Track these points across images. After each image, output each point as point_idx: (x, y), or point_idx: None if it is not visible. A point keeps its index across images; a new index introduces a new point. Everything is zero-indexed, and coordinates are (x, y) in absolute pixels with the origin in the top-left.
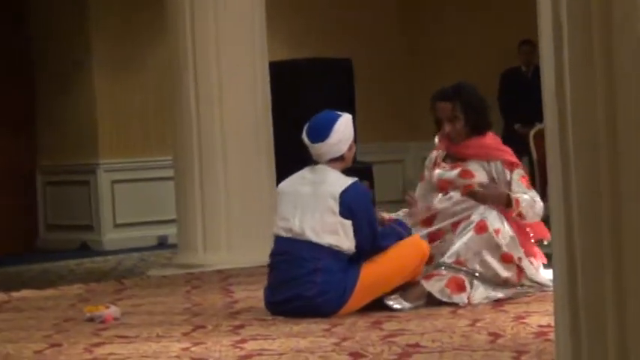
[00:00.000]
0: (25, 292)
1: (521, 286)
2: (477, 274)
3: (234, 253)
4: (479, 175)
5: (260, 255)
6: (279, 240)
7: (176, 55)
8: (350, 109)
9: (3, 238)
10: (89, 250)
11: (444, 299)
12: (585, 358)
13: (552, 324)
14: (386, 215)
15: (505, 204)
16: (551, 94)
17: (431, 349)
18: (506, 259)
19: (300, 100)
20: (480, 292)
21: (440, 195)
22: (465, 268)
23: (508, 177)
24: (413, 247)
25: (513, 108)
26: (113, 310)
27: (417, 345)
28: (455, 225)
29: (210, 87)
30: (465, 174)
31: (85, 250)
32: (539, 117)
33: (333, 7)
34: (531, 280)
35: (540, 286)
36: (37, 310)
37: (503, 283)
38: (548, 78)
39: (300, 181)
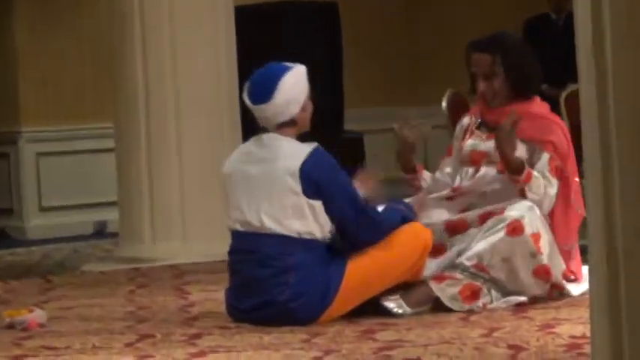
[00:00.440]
0: None
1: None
2: (498, 284)
3: (190, 245)
4: (520, 148)
5: (222, 246)
6: (236, 235)
7: (118, 0)
8: (335, 67)
9: None
10: (9, 239)
11: (456, 308)
12: None
13: (588, 334)
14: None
15: (515, 168)
16: (587, 50)
17: None
18: (541, 274)
19: (273, 56)
20: (499, 298)
21: (470, 171)
22: (486, 276)
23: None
24: (412, 235)
25: (540, 64)
26: (38, 315)
27: None
28: (483, 217)
29: (160, 38)
30: (518, 182)
31: (3, 239)
32: (572, 76)
33: None
34: (565, 297)
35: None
36: None
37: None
38: (584, 30)
39: (245, 158)
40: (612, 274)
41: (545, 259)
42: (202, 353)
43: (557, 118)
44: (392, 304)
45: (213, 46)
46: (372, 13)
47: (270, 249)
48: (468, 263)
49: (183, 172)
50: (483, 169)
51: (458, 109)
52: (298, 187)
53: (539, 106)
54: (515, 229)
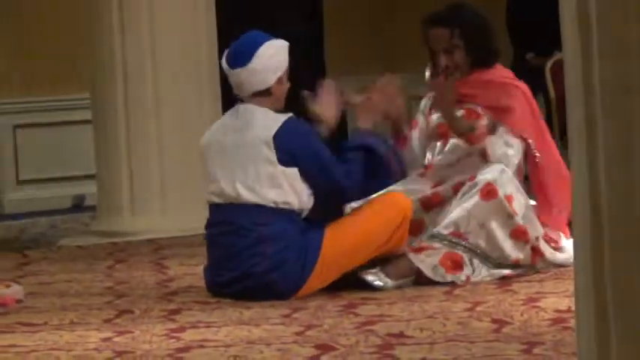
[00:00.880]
0: None
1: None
2: (478, 252)
3: (169, 218)
4: (487, 116)
5: (202, 220)
6: (213, 208)
7: None
8: (315, 35)
9: None
10: None
11: (437, 279)
12: (615, 351)
13: (573, 308)
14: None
15: (462, 127)
16: (571, 16)
17: (419, 340)
18: (518, 236)
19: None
20: (482, 272)
21: (438, 144)
22: (464, 243)
23: None
24: (391, 203)
25: (525, 32)
26: (15, 291)
27: (401, 335)
28: (457, 187)
29: (139, 8)
30: (470, 114)
31: None
32: (557, 44)
33: None
34: (549, 264)
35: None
36: None
37: (512, 266)
38: None
39: (222, 129)
40: (597, 246)
41: (520, 219)
42: (182, 329)
43: (519, 83)
44: (371, 276)
45: (191, 18)
46: None
47: (245, 219)
48: (445, 232)
49: (162, 144)
50: (451, 141)
51: None
52: (273, 156)
53: (501, 73)
54: (489, 192)
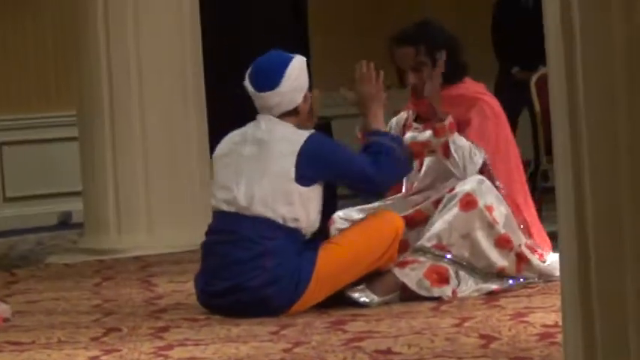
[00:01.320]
0: None
1: (522, 279)
2: (464, 263)
3: (156, 236)
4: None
5: (188, 237)
6: (219, 215)
7: None
8: (301, 47)
9: None
10: None
11: (422, 293)
12: None
13: (560, 323)
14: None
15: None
16: (555, 30)
17: (406, 357)
18: (503, 244)
19: (241, 37)
20: (469, 285)
21: (415, 164)
22: (449, 256)
23: None
24: (383, 222)
25: (511, 47)
26: (2, 309)
27: (388, 351)
28: (437, 202)
29: (123, 20)
30: (440, 131)
31: None
32: (542, 58)
33: None
34: (535, 272)
35: (547, 277)
36: None
37: (498, 275)
38: (552, 9)
39: (241, 139)
40: (583, 261)
41: (502, 228)
42: (170, 346)
43: (487, 97)
44: (357, 294)
45: (177, 23)
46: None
47: (251, 231)
48: (428, 244)
49: (148, 161)
50: (426, 161)
51: None
52: (292, 173)
53: (472, 87)
54: (468, 203)
